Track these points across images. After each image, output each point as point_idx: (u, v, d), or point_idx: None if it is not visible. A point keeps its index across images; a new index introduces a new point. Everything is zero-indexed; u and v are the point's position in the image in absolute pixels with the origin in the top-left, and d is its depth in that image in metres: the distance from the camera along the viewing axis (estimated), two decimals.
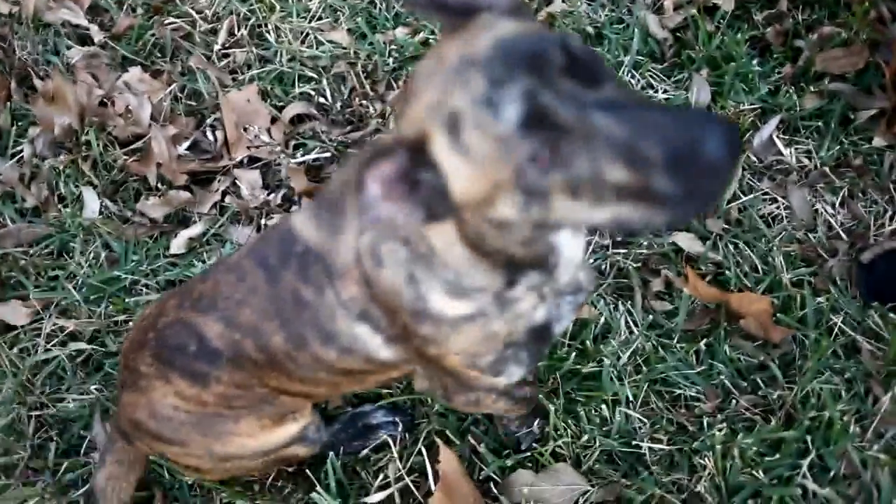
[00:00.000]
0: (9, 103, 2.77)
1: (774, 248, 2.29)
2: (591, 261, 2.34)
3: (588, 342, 2.19)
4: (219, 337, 1.76)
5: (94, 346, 2.39)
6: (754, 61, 2.60)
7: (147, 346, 1.85)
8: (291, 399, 1.91)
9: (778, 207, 2.39)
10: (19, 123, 2.76)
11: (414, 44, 2.79)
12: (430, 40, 2.78)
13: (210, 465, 1.98)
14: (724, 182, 1.13)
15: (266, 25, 2.94)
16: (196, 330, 1.77)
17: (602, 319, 2.24)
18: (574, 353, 2.17)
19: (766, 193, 2.41)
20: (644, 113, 1.13)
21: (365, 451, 2.17)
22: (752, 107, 2.52)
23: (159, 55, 2.90)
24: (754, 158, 2.44)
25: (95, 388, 2.32)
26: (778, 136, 2.48)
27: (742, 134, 2.44)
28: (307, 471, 2.17)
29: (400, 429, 2.19)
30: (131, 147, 2.67)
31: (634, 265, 2.32)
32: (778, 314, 2.16)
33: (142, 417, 1.91)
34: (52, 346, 2.40)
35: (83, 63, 2.78)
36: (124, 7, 2.99)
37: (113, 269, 2.49)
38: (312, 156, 2.62)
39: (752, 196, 2.39)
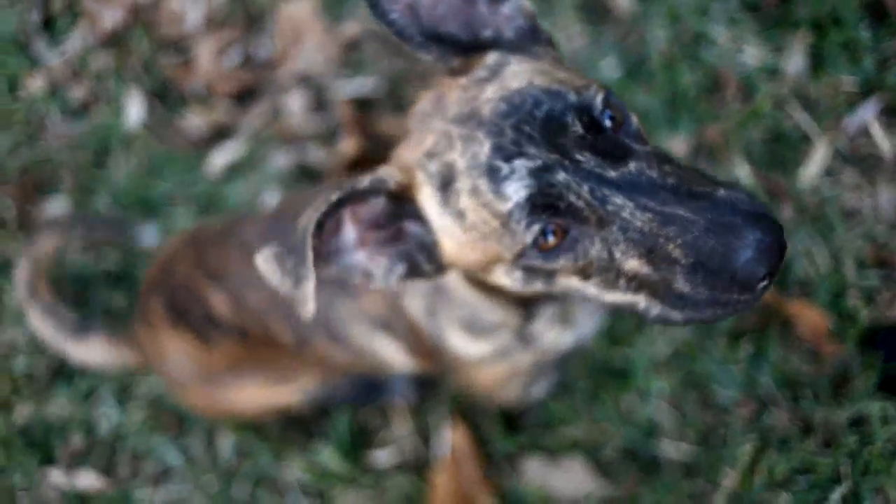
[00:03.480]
0: None
1: (846, 246, 2.07)
2: None
3: (626, 328, 2.05)
4: (225, 311, 1.69)
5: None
6: (864, 29, 2.29)
7: (159, 291, 1.80)
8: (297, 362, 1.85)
9: (860, 200, 2.15)
10: (73, 13, 2.66)
11: None
12: None
13: (204, 405, 1.96)
14: (756, 298, 1.00)
15: None
16: (204, 299, 1.71)
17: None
18: (609, 340, 2.04)
19: (850, 184, 2.17)
20: (672, 203, 0.98)
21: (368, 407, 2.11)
22: (853, 82, 2.24)
23: None
24: (844, 141, 2.19)
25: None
26: (876, 120, 2.21)
27: (832, 111, 2.18)
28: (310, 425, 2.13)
29: (409, 391, 2.12)
30: (180, 49, 2.55)
31: None
32: (833, 329, 1.97)
33: (149, 350, 1.88)
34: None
35: None
36: None
37: (149, 181, 2.43)
38: (360, 87, 2.46)
39: (833, 184, 2.15)
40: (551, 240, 1.02)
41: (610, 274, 1.04)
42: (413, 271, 1.14)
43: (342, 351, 1.64)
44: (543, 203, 1.00)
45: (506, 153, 1.01)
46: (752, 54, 2.30)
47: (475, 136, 1.04)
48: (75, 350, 2.09)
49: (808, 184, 2.15)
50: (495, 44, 1.15)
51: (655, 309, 1.04)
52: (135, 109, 2.51)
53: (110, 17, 2.53)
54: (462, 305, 1.41)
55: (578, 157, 1.00)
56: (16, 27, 2.63)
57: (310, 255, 1.03)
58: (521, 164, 1.00)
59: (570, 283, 1.09)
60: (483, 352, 1.48)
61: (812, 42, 2.28)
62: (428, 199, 1.09)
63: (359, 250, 1.13)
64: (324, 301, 1.56)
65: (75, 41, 2.59)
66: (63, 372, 2.30)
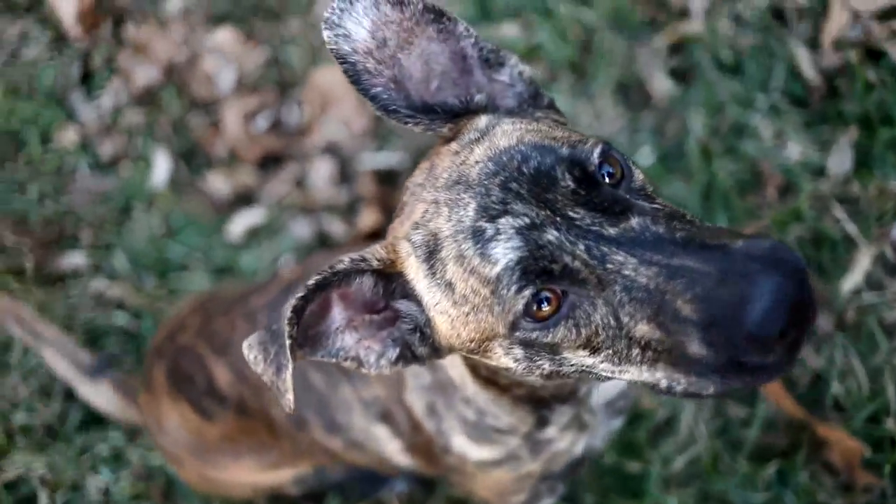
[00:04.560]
0: (103, 45, 2.68)
1: (888, 366, 1.91)
2: None
3: (640, 436, 1.91)
4: (227, 384, 1.63)
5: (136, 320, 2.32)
6: None
7: (164, 357, 1.74)
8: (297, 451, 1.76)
9: None
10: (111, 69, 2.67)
11: (525, 43, 2.49)
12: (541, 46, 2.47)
13: (196, 481, 1.88)
14: (783, 362, 0.85)
15: None
16: (207, 369, 1.65)
17: (664, 413, 1.95)
18: (619, 447, 1.90)
19: (895, 297, 2.01)
20: (681, 255, 0.86)
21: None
22: None
23: (259, 15, 2.72)
24: (890, 252, 2.04)
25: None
26: None
27: (879, 215, 2.03)
28: None
29: (407, 487, 2.00)
30: (209, 111, 2.54)
31: None
32: (869, 458, 1.81)
33: (148, 416, 1.82)
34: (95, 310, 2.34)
35: (179, 16, 2.63)
36: None
37: (168, 241, 2.40)
38: (385, 159, 2.40)
39: (878, 297, 2.00)
40: (546, 308, 0.92)
41: (620, 344, 0.92)
42: (406, 355, 1.05)
43: (339, 441, 1.55)
44: (536, 268, 0.90)
45: (490, 213, 0.92)
46: (796, 150, 2.18)
47: (461, 199, 0.95)
48: (85, 389, 2.08)
49: (849, 294, 2.00)
50: (488, 108, 1.07)
51: (680, 383, 0.91)
52: (161, 168, 2.49)
53: (144, 75, 2.53)
54: (468, 405, 1.30)
55: (571, 213, 0.90)
56: (55, 80, 2.66)
57: (287, 342, 0.95)
58: (506, 222, 0.91)
59: (580, 359, 0.96)
60: (489, 457, 1.36)
61: (859, 140, 2.15)
62: (415, 272, 1.00)
63: (347, 334, 1.04)
64: (325, 385, 1.49)
65: (109, 97, 2.59)
66: (59, 430, 2.24)
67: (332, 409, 1.50)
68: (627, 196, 0.94)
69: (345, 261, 0.99)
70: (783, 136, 2.21)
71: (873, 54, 2.26)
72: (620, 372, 0.95)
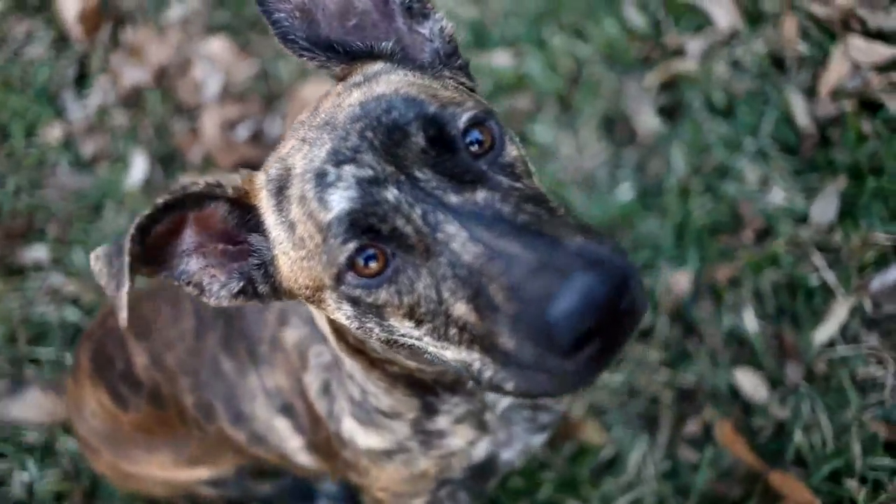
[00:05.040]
0: (101, 47, 2.70)
1: (856, 425, 1.77)
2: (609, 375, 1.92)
3: (582, 473, 1.78)
4: (143, 369, 1.56)
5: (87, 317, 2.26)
6: None
7: (92, 340, 1.68)
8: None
9: (882, 372, 1.86)
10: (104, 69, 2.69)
11: (514, 72, 2.45)
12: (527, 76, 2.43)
13: (111, 474, 1.79)
14: (585, 372, 0.77)
15: None
16: (127, 353, 1.58)
17: (610, 450, 1.82)
18: (558, 481, 1.77)
19: (871, 351, 1.88)
20: (508, 237, 0.79)
21: None
22: (887, 237, 1.98)
23: (256, 29, 2.73)
24: (869, 304, 1.91)
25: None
26: None
27: (859, 267, 1.92)
28: None
29: (338, 502, 1.89)
30: (192, 117, 2.52)
31: (673, 393, 1.87)
32: None
33: (71, 407, 1.75)
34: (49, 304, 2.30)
35: (178, 23, 2.65)
36: None
37: None
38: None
39: (853, 351, 1.87)
40: (372, 265, 0.87)
41: (439, 320, 0.86)
42: (248, 290, 1.00)
43: (244, 434, 1.47)
44: (365, 223, 0.86)
45: (339, 158, 0.88)
46: (780, 195, 2.08)
47: (321, 139, 0.91)
48: (11, 409, 1.99)
49: (821, 345, 1.87)
50: (395, 57, 1.03)
51: (487, 371, 0.84)
52: (138, 170, 2.47)
53: (133, 77, 2.54)
54: (352, 382, 1.22)
55: (418, 173, 0.86)
56: (49, 78, 2.67)
57: (126, 259, 0.90)
58: (349, 170, 0.87)
59: (407, 329, 0.91)
60: (377, 445, 1.27)
61: (847, 190, 2.04)
62: (266, 206, 0.96)
63: (193, 258, 0.99)
64: (235, 372, 1.42)
65: (97, 95, 2.60)
66: None
67: (239, 398, 1.43)
68: (485, 168, 0.89)
69: (199, 184, 0.95)
70: (768, 181, 2.12)
71: (869, 105, 2.18)
72: (442, 348, 0.89)
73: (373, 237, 0.86)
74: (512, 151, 0.93)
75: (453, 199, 0.84)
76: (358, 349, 1.13)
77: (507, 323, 0.78)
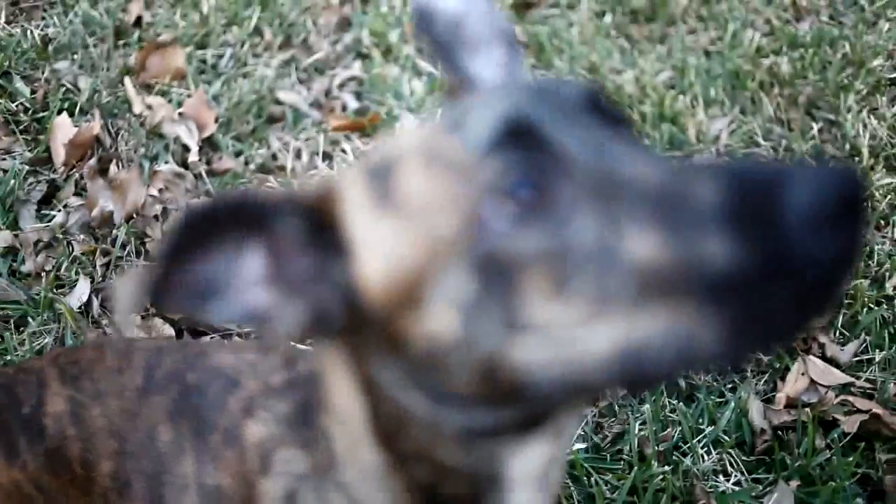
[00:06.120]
0: (79, 173, 2.63)
1: None
2: None
3: None
4: (55, 418, 1.31)
5: None
6: (858, 500, 2.04)
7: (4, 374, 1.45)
8: None
9: None
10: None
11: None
12: None
13: None
14: (838, 244, 0.60)
15: None
16: (41, 393, 1.34)
17: None
18: None
19: None
20: (692, 162, 0.68)
21: None
22: None
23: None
24: None
25: None
26: None
27: None
28: None
29: None
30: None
31: None
32: None
33: None
34: None
35: (166, 176, 2.63)
36: (230, 149, 2.86)
37: None
38: None
39: None
40: (522, 193, 0.69)
41: (604, 268, 0.66)
42: (320, 320, 0.81)
43: None
44: (516, 129, 0.71)
45: (475, 106, 0.76)
46: (733, 484, 2.05)
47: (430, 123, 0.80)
48: None
49: None
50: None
51: (670, 331, 0.64)
52: (77, 297, 2.29)
53: (105, 207, 2.45)
54: (339, 491, 1.00)
55: (575, 114, 0.74)
56: (11, 191, 2.55)
57: (149, 282, 0.74)
58: (492, 109, 0.73)
59: (539, 308, 0.69)
60: None
61: (800, 493, 2.03)
62: (355, 203, 0.80)
63: (260, 289, 0.81)
64: (170, 445, 1.21)
65: (60, 217, 2.48)
66: None
67: (165, 484, 1.19)
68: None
69: (267, 195, 0.80)
70: (722, 473, 2.10)
71: (826, 423, 2.24)
72: (590, 330, 0.67)
73: (526, 146, 0.71)
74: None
75: (613, 129, 0.75)
76: (389, 438, 0.93)
77: (720, 223, 0.62)
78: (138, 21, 3.28)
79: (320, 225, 0.82)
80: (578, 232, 0.68)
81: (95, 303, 2.28)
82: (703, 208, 0.63)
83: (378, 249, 0.78)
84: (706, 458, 2.10)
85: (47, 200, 2.60)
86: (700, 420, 2.22)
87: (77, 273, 2.35)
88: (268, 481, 1.10)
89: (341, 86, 3.14)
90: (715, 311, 0.63)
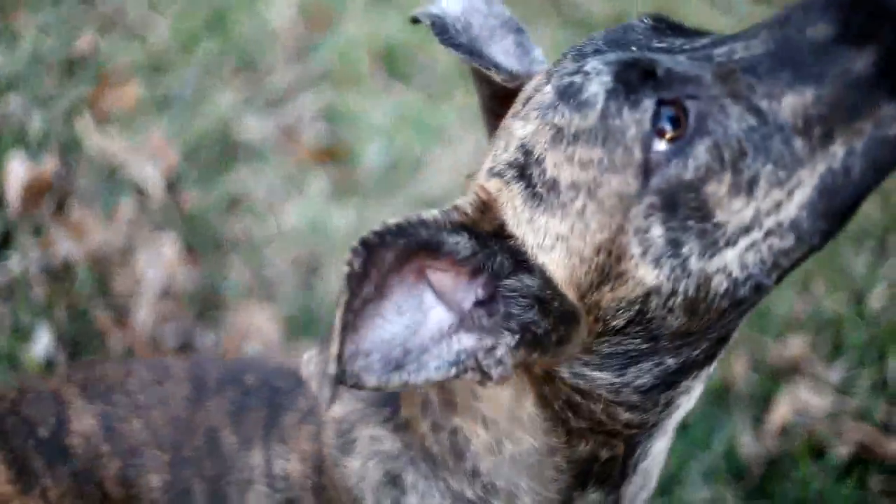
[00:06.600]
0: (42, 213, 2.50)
1: None
2: None
3: None
4: (82, 437, 1.22)
5: None
6: None
7: (5, 400, 1.33)
8: None
9: None
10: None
11: None
12: None
13: None
14: None
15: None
16: (62, 412, 1.25)
17: None
18: None
19: None
20: (776, 19, 0.76)
21: None
22: None
23: (206, 243, 2.61)
24: None
25: None
26: None
27: None
28: None
29: None
30: (113, 306, 2.30)
31: None
32: None
33: None
34: None
35: (128, 213, 2.52)
36: (194, 183, 2.77)
37: None
38: None
39: None
40: (671, 128, 0.74)
41: (775, 144, 0.72)
42: (528, 338, 0.79)
43: None
44: (637, 75, 0.75)
45: (575, 69, 0.80)
46: None
47: (545, 91, 0.83)
48: None
49: None
50: None
51: (863, 134, 0.72)
52: (40, 346, 2.18)
53: (65, 249, 2.33)
54: (475, 480, 0.97)
55: (660, 39, 0.81)
56: None
57: (332, 368, 0.71)
58: (590, 64, 0.79)
59: (736, 216, 0.73)
60: None
61: None
62: (513, 205, 0.80)
63: (462, 333, 0.79)
64: (233, 446, 1.16)
65: (18, 263, 2.36)
66: None
67: (229, 482, 1.14)
68: None
69: (426, 217, 0.77)
70: (717, 499, 2.07)
71: (817, 451, 2.23)
72: (789, 194, 0.72)
73: (654, 86, 0.75)
74: None
75: (700, 40, 0.81)
76: (559, 419, 0.91)
77: (849, 48, 0.71)
78: (91, 51, 3.15)
79: (485, 240, 0.80)
80: (734, 124, 0.74)
81: (61, 352, 2.18)
82: (825, 43, 0.71)
83: (556, 244, 0.78)
84: (700, 490, 2.07)
85: (3, 244, 2.47)
86: (691, 451, 2.18)
87: (36, 319, 2.24)
88: (351, 460, 1.05)
89: (310, 115, 3.06)
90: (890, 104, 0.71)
